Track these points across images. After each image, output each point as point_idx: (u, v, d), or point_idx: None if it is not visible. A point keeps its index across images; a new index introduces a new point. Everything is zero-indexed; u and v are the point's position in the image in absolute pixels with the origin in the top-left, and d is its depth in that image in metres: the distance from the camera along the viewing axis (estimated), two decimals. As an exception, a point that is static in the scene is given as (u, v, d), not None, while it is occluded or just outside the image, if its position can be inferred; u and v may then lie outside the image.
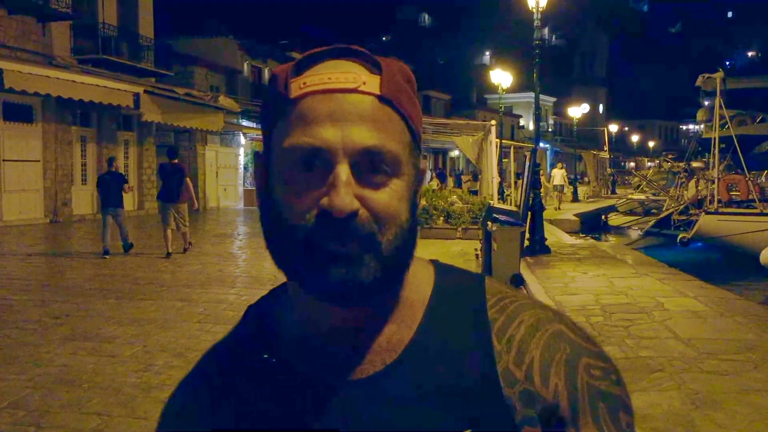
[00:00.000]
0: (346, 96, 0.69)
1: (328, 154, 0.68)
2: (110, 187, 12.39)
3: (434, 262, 0.83)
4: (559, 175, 29.09)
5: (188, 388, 0.81)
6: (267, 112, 0.75)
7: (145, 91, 19.99)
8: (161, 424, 0.82)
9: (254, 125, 28.99)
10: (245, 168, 29.72)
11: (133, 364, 5.63)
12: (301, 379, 0.74)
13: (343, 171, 0.67)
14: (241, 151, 29.69)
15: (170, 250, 12.25)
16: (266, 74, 35.61)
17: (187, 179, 12.72)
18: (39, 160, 19.07)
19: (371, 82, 0.70)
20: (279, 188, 0.71)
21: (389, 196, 0.70)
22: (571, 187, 36.63)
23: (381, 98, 0.70)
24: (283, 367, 0.76)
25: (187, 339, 6.45)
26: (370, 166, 0.69)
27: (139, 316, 7.42)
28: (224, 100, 24.47)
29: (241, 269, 11.61)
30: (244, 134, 29.29)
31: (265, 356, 0.76)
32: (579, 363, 0.73)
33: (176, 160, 12.88)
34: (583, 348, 0.75)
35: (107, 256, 12.05)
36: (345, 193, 0.67)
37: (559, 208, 26.19)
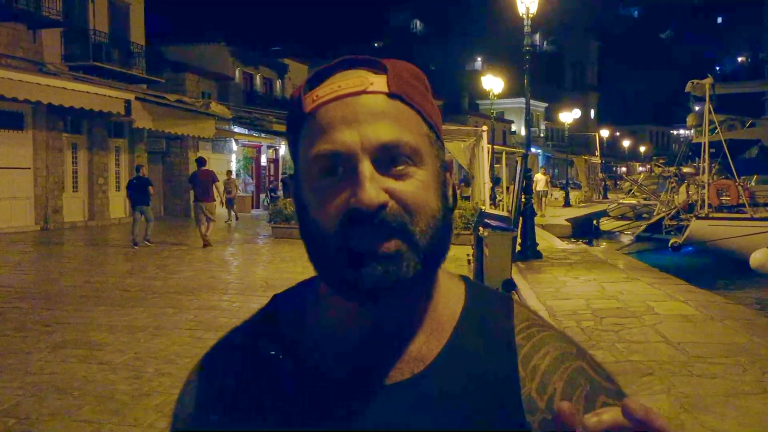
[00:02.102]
0: (356, 98, 0.72)
1: (348, 156, 0.70)
2: (139, 190, 14.85)
3: (465, 279, 0.85)
4: (542, 180, 28.05)
5: (204, 380, 0.82)
6: (289, 131, 0.78)
7: (137, 98, 19.95)
8: (178, 410, 0.83)
9: (246, 132, 28.97)
10: (237, 174, 29.68)
11: (124, 372, 5.62)
12: (326, 380, 0.75)
13: (366, 167, 0.69)
14: (233, 157, 29.65)
15: (208, 242, 14.90)
16: (258, 80, 35.63)
17: (217, 183, 15.42)
18: (29, 168, 19.00)
19: (378, 82, 0.73)
20: (309, 199, 0.73)
21: (414, 186, 0.71)
22: (563, 192, 36.74)
23: (390, 95, 0.73)
24: (307, 367, 0.76)
25: (179, 346, 6.44)
26: (391, 159, 0.71)
27: (130, 324, 7.40)
28: (216, 107, 24.45)
29: (233, 276, 11.59)
30: (236, 141, 29.25)
31: (272, 353, 0.77)
32: (597, 401, 0.74)
33: (205, 167, 15.39)
34: (602, 386, 0.75)
35: (136, 247, 14.39)
36: (370, 186, 0.68)
37: (543, 215, 25.16)
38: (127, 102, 19.36)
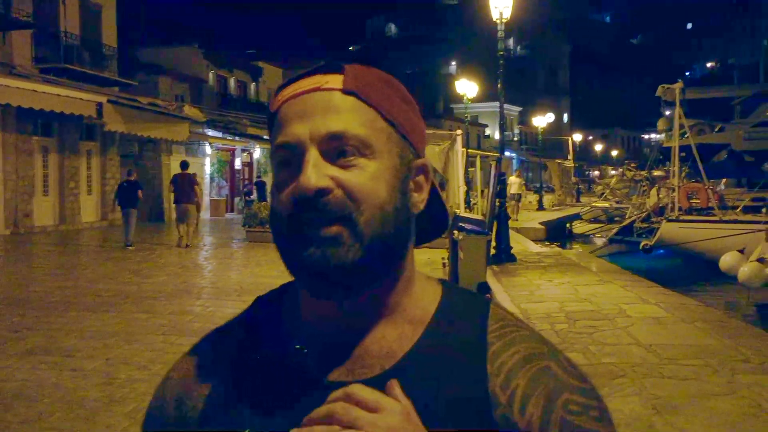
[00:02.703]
0: (311, 95, 0.76)
1: (298, 146, 0.74)
2: (128, 192, 15.65)
3: (443, 282, 0.86)
4: (516, 183, 27.40)
5: (185, 372, 0.84)
6: (269, 133, 0.82)
7: (109, 101, 19.73)
8: (154, 402, 0.84)
9: (220, 135, 28.79)
10: (211, 178, 29.48)
11: (95, 378, 5.55)
12: (300, 377, 0.77)
13: (311, 155, 0.73)
14: (207, 161, 29.44)
15: (187, 243, 15.80)
16: (232, 83, 35.44)
17: (197, 186, 16.22)
18: (-1, 171, 18.71)
19: (333, 81, 0.77)
20: (273, 191, 0.77)
21: (361, 176, 0.73)
22: (536, 195, 37.02)
23: (344, 91, 0.76)
24: (283, 364, 0.78)
25: (151, 352, 6.37)
26: (339, 150, 0.74)
27: (101, 329, 7.31)
28: (189, 110, 24.27)
29: (206, 280, 11.50)
30: (210, 144, 29.06)
31: (297, 347, 0.78)
32: (559, 398, 0.75)
33: (187, 170, 16.37)
34: (567, 384, 0.76)
35: (129, 247, 15.31)
36: (311, 172, 0.72)
37: (516, 219, 24.49)
38: (99, 105, 19.13)
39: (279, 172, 0.76)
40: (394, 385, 0.71)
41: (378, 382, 0.75)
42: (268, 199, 25.41)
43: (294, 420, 0.73)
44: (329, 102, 0.75)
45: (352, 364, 0.77)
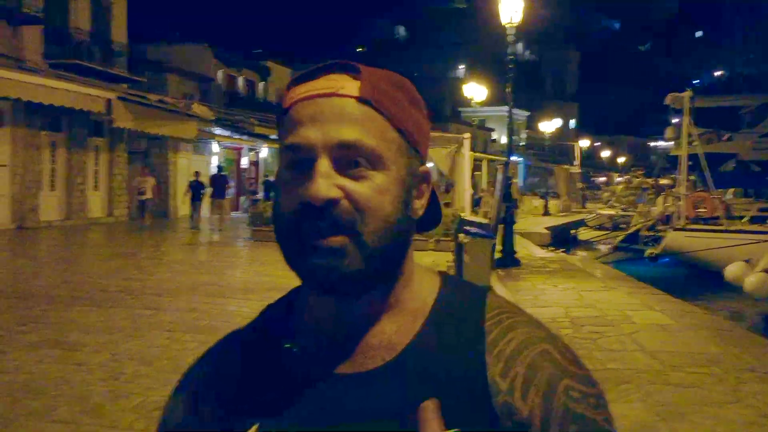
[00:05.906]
0: (326, 99, 0.75)
1: (309, 150, 0.74)
2: (196, 189, 20.54)
3: (442, 274, 0.87)
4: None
5: (200, 373, 0.86)
6: (278, 129, 0.82)
7: (118, 97, 19.79)
8: (173, 399, 0.86)
9: (228, 133, 28.84)
10: (217, 176, 29.50)
11: (101, 372, 5.57)
12: (306, 370, 0.79)
13: (322, 163, 0.73)
14: (215, 159, 29.49)
15: (220, 228, 20.19)
16: (240, 82, 35.51)
17: (228, 185, 21.33)
18: (6, 165, 18.77)
19: (350, 87, 0.76)
20: (278, 188, 0.78)
21: (370, 188, 0.74)
22: (542, 200, 36.97)
23: (359, 99, 0.76)
24: (291, 359, 0.81)
25: (156, 347, 6.39)
26: (351, 160, 0.74)
27: (107, 324, 7.34)
28: (198, 108, 24.31)
29: (212, 278, 11.50)
30: (218, 142, 29.10)
31: (287, 345, 0.81)
32: (559, 384, 0.75)
33: (223, 172, 22.37)
34: (566, 370, 0.77)
35: (194, 230, 20.00)
36: (321, 181, 0.72)
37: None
38: (108, 101, 19.21)
39: (286, 171, 0.76)
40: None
41: (380, 374, 0.77)
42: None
43: (303, 413, 0.77)
44: (344, 109, 0.75)
45: (354, 357, 0.79)
